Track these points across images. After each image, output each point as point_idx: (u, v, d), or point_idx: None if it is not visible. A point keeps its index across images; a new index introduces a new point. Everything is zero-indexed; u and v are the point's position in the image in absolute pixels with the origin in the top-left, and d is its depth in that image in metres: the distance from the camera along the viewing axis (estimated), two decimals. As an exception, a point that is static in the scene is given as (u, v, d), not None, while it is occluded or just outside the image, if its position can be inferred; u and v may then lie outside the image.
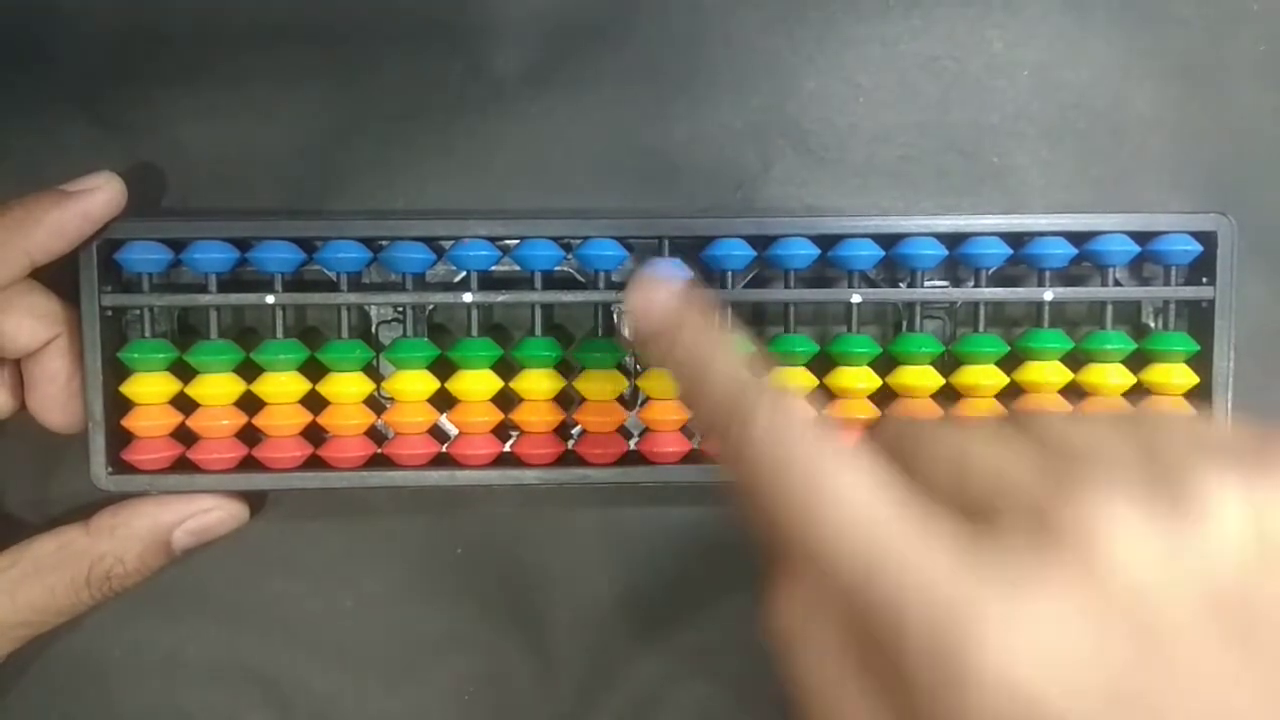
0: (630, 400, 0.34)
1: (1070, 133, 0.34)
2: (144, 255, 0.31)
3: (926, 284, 0.33)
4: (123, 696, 0.34)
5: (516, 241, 0.32)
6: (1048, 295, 0.32)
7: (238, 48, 0.33)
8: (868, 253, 0.31)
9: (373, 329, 0.34)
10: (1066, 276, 0.33)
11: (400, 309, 0.33)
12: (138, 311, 0.32)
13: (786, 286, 0.32)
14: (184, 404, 0.32)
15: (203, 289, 0.31)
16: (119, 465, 0.31)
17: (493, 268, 0.32)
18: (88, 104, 0.33)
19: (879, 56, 0.34)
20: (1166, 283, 0.33)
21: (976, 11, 0.34)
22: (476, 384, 0.32)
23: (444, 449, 0.33)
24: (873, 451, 0.19)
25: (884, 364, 0.32)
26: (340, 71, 0.33)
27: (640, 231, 0.32)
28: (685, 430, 0.32)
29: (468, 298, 0.32)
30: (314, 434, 0.32)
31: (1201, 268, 0.32)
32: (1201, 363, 0.32)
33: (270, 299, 0.31)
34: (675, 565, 0.35)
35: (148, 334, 0.32)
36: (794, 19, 0.34)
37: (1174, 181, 0.34)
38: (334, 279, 0.32)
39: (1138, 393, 0.33)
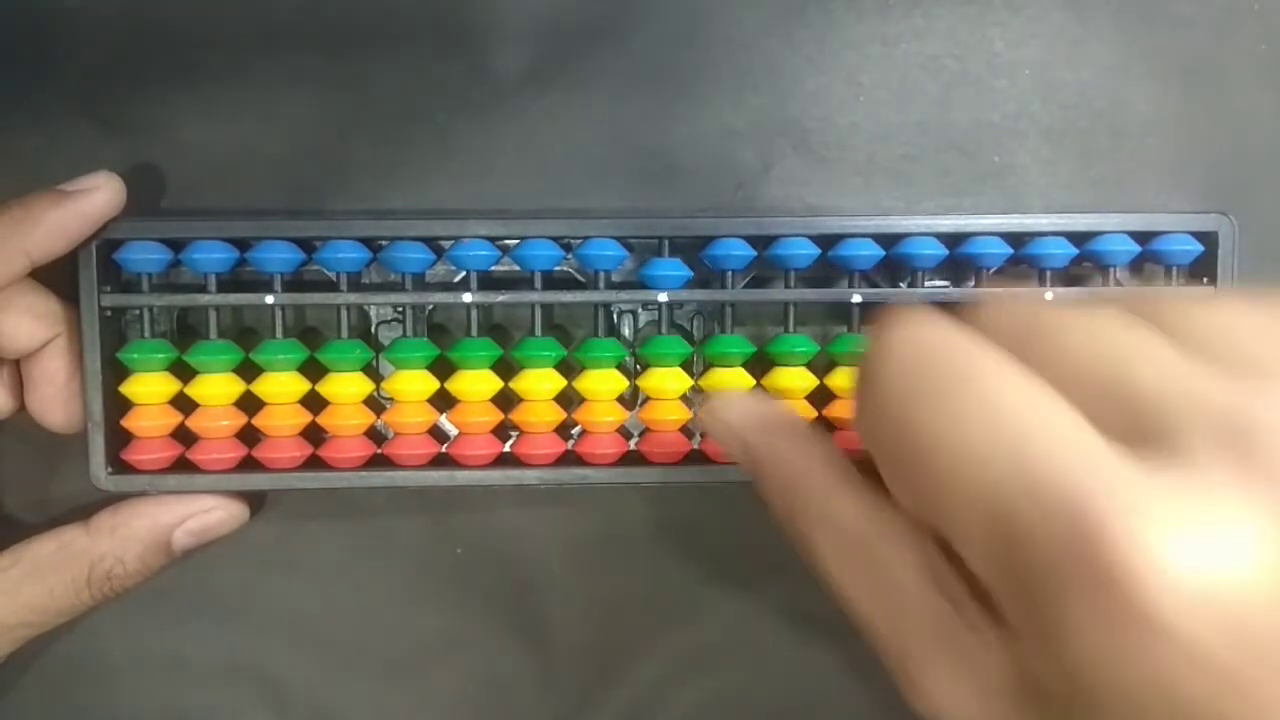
0: (630, 400, 0.34)
1: (1071, 132, 0.34)
2: (143, 255, 0.31)
3: (927, 284, 0.33)
4: (123, 697, 0.34)
5: (516, 241, 0.32)
6: (1049, 295, 0.32)
7: (238, 48, 0.33)
8: (868, 252, 0.31)
9: (372, 329, 0.34)
10: (1067, 276, 0.33)
11: (400, 309, 0.33)
12: (137, 311, 0.32)
13: (787, 286, 0.32)
14: (183, 404, 0.31)
15: (202, 289, 0.31)
16: (118, 465, 0.31)
17: (492, 268, 0.32)
18: (88, 104, 0.33)
19: (879, 56, 0.34)
20: (1167, 282, 0.33)
21: (977, 11, 0.34)
22: (476, 384, 0.32)
23: (444, 449, 0.33)
24: (994, 347, 0.17)
25: (884, 364, 0.32)
26: (340, 71, 0.33)
27: (640, 231, 0.32)
28: (685, 430, 0.32)
29: (467, 298, 0.32)
30: (314, 434, 0.32)
31: (1202, 268, 0.32)
32: (1202, 363, 0.32)
33: (270, 299, 0.31)
34: (675, 565, 0.35)
35: (147, 334, 0.32)
36: (794, 19, 0.34)
37: (1175, 181, 0.34)
38: (333, 279, 0.32)
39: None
